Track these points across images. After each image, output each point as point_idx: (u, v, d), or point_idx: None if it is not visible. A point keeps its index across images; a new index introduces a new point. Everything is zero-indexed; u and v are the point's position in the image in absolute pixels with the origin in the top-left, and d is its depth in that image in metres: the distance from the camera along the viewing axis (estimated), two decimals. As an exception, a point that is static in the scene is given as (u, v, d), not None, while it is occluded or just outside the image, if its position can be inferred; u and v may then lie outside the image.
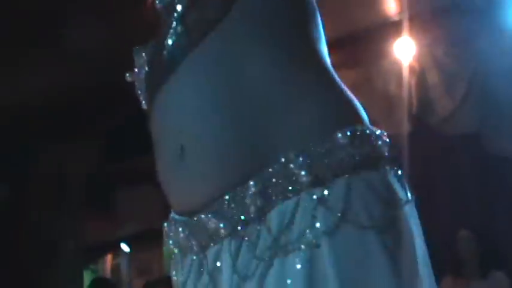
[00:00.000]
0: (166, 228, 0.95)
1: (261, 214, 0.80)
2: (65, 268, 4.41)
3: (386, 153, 0.85)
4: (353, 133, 0.81)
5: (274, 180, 0.79)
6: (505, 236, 3.47)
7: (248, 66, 0.85)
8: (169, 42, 0.88)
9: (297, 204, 0.78)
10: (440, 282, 3.31)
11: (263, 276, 0.78)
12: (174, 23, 0.88)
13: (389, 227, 0.77)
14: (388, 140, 0.86)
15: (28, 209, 4.40)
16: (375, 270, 0.75)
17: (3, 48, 3.30)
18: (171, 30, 0.88)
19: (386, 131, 0.88)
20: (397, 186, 0.83)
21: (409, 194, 0.84)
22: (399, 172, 0.85)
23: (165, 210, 1.00)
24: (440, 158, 3.80)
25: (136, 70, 0.98)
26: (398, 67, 3.69)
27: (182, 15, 0.88)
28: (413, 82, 3.71)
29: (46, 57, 3.42)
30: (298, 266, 0.75)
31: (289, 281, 0.75)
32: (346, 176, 0.78)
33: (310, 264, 0.75)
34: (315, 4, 0.94)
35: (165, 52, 0.89)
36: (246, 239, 0.81)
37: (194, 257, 0.89)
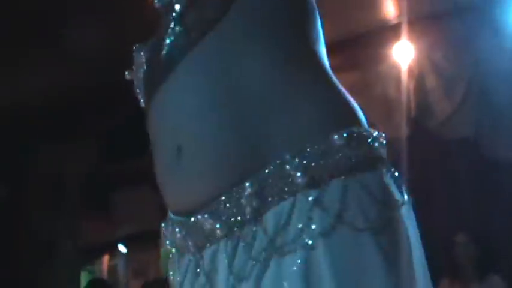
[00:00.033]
0: (163, 229, 0.96)
1: (257, 215, 0.80)
2: (62, 268, 4.41)
3: (383, 155, 0.85)
4: (349, 135, 0.81)
5: (270, 181, 0.80)
6: (502, 240, 3.48)
7: (246, 66, 0.85)
8: (168, 41, 0.88)
9: (292, 206, 0.78)
10: (438, 285, 3.31)
11: (259, 277, 0.78)
12: (173, 22, 0.88)
13: (385, 229, 0.78)
14: (385, 141, 0.87)
15: (26, 209, 4.39)
16: (370, 271, 0.75)
17: (3, 48, 3.30)
18: (170, 30, 0.88)
19: (384, 134, 0.88)
20: (393, 188, 0.83)
21: (405, 196, 0.84)
22: (396, 174, 0.85)
23: (162, 211, 1.00)
24: (438, 161, 3.80)
25: (135, 68, 0.98)
26: (397, 71, 3.70)
27: (181, 14, 0.88)
28: (411, 86, 3.71)
29: (46, 57, 3.42)
30: (295, 268, 0.75)
31: (285, 283, 0.75)
32: (342, 177, 0.78)
33: (306, 265, 0.75)
34: (314, 6, 0.94)
35: (163, 51, 0.89)
36: (242, 240, 0.81)
37: (191, 257, 0.90)
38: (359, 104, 0.90)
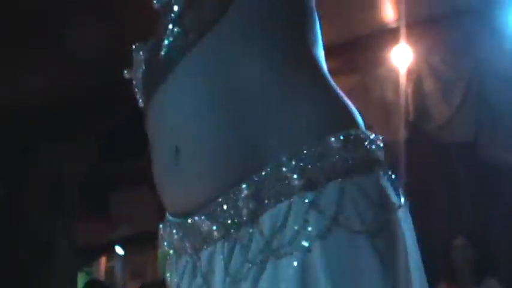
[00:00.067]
0: (161, 230, 0.96)
1: (254, 217, 0.80)
2: (60, 270, 4.40)
3: (380, 158, 0.85)
4: (346, 137, 0.81)
5: (266, 183, 0.80)
6: (500, 244, 3.48)
7: (244, 67, 0.85)
8: (166, 42, 0.88)
9: (289, 208, 0.78)
10: (435, 289, 3.32)
11: (256, 279, 0.78)
12: (171, 23, 0.88)
13: (382, 231, 0.78)
14: (382, 144, 0.87)
15: (25, 209, 4.39)
16: (366, 274, 0.75)
17: (3, 48, 3.30)
18: (168, 31, 0.88)
19: (382, 138, 0.88)
20: (390, 190, 0.83)
21: (402, 199, 0.84)
22: (393, 176, 0.85)
23: (159, 213, 1.00)
24: (437, 165, 3.80)
25: (134, 68, 0.98)
26: (395, 74, 3.70)
27: (179, 16, 0.88)
28: (410, 89, 3.72)
29: (45, 58, 3.43)
30: (291, 270, 0.75)
31: (282, 286, 0.75)
32: (339, 180, 0.78)
33: (303, 268, 0.75)
34: (313, 8, 0.94)
35: (162, 52, 0.89)
36: (239, 241, 0.81)
37: (188, 259, 0.90)
38: (357, 107, 0.90)
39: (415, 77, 3.72)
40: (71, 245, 4.48)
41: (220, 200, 0.82)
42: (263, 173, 0.80)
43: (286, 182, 0.79)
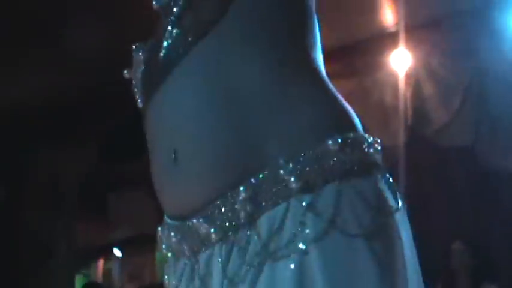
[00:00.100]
0: (159, 232, 0.96)
1: (251, 220, 0.80)
2: (58, 271, 4.39)
3: (378, 161, 0.85)
4: (344, 140, 0.81)
5: (264, 186, 0.80)
6: (499, 249, 3.48)
7: (243, 68, 0.85)
8: (166, 44, 0.89)
9: (286, 210, 0.78)
10: (433, 292, 3.31)
11: (253, 282, 0.78)
12: (170, 24, 0.89)
13: (379, 234, 0.78)
14: (380, 147, 0.87)
15: (23, 210, 4.38)
16: (363, 277, 0.75)
17: (3, 48, 3.30)
18: (167, 32, 0.89)
19: (381, 142, 0.88)
20: (387, 193, 0.83)
21: (400, 202, 0.84)
22: (390, 180, 0.85)
23: (157, 215, 1.00)
24: (436, 169, 3.80)
25: (134, 68, 0.98)
26: (394, 78, 3.71)
27: (178, 17, 0.88)
28: (409, 93, 3.72)
29: (45, 58, 3.42)
30: (288, 273, 0.75)
31: None
32: (336, 182, 0.78)
33: (300, 270, 0.75)
34: (313, 11, 0.95)
35: (161, 53, 0.89)
36: (237, 244, 0.81)
37: (186, 262, 0.90)
38: (356, 111, 0.90)
39: (414, 81, 3.72)
40: (70, 246, 4.48)
41: (218, 202, 0.82)
42: (261, 176, 0.80)
43: (284, 184, 0.79)
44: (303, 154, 0.80)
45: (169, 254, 0.94)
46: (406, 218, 0.86)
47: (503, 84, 3.42)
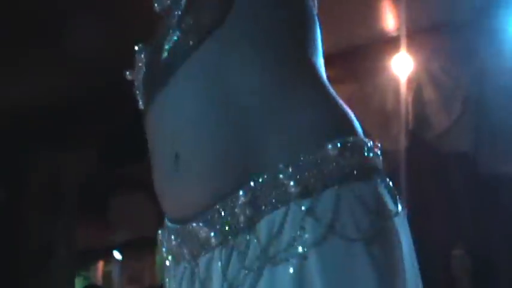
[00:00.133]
0: (160, 236, 0.96)
1: (251, 224, 0.80)
2: (58, 273, 4.39)
3: (378, 165, 0.85)
4: (344, 144, 0.81)
5: (263, 190, 0.80)
6: (499, 254, 3.47)
7: (244, 72, 0.85)
8: (167, 47, 0.89)
9: (285, 215, 0.78)
10: (433, 298, 3.30)
11: (253, 286, 0.78)
12: (172, 27, 0.89)
13: (378, 238, 0.78)
14: (380, 152, 0.87)
15: (23, 212, 4.38)
16: (362, 281, 0.75)
17: (3, 50, 3.30)
18: (169, 35, 0.89)
19: (382, 146, 0.88)
20: (387, 198, 0.83)
21: (399, 206, 0.84)
22: (390, 184, 0.85)
23: (158, 218, 1.00)
24: (436, 174, 3.80)
25: (136, 69, 0.99)
26: (395, 83, 3.71)
27: (179, 20, 0.88)
28: (409, 98, 3.72)
29: (45, 61, 3.43)
30: (287, 277, 0.75)
31: None
32: (336, 187, 0.79)
33: (299, 275, 0.75)
34: (314, 16, 0.95)
35: (162, 56, 0.89)
36: (236, 248, 0.81)
37: (186, 265, 0.90)
38: (357, 116, 0.90)
39: (415, 86, 3.72)
40: (70, 248, 4.47)
41: (217, 206, 0.82)
42: (260, 180, 0.80)
43: (283, 189, 0.79)
44: (302, 158, 0.80)
45: (170, 258, 0.94)
46: (406, 223, 0.86)
47: (504, 90, 3.42)
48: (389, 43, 3.66)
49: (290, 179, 0.79)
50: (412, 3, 3.22)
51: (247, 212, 0.80)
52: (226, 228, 0.82)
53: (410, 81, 3.69)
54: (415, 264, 0.87)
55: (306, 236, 0.76)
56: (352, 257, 0.76)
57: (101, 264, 7.36)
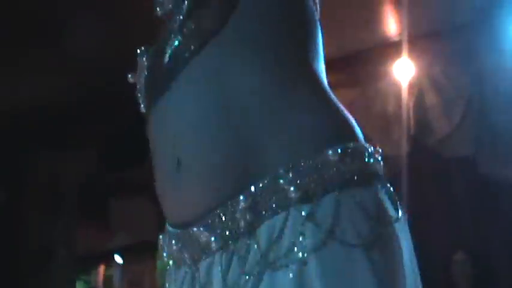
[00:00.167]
0: (161, 241, 0.96)
1: (251, 229, 0.80)
2: (58, 276, 4.39)
3: (379, 171, 0.85)
4: (344, 150, 0.81)
5: (264, 195, 0.80)
6: (500, 259, 3.47)
7: (245, 77, 0.85)
8: (168, 51, 0.89)
9: (285, 220, 0.78)
10: (434, 303, 3.30)
11: (253, 291, 0.78)
12: (173, 32, 0.89)
13: (378, 244, 0.77)
14: (381, 157, 0.87)
15: (23, 214, 4.38)
16: (361, 287, 0.75)
17: (3, 52, 3.31)
18: (170, 40, 0.89)
19: (383, 151, 0.88)
20: (387, 204, 0.83)
21: (400, 212, 0.84)
22: (391, 190, 0.85)
23: (158, 221, 1.00)
24: (437, 179, 3.80)
25: (138, 72, 0.99)
26: (397, 88, 3.71)
27: (181, 24, 0.88)
28: (411, 103, 3.72)
29: (46, 62, 3.43)
30: (287, 282, 0.75)
31: None
32: (336, 192, 0.78)
33: (299, 280, 0.75)
34: (316, 21, 0.95)
35: (164, 60, 0.90)
36: (236, 253, 0.81)
37: (187, 270, 0.90)
38: (359, 120, 0.90)
39: (417, 91, 3.72)
40: (70, 250, 4.47)
41: (218, 211, 0.82)
42: (260, 185, 0.80)
43: (283, 194, 0.79)
44: (302, 164, 0.80)
45: (170, 262, 0.94)
46: (406, 228, 0.86)
47: (506, 94, 3.42)
48: (391, 48, 3.67)
49: (290, 184, 0.79)
50: (413, 8, 3.23)
51: (248, 217, 0.80)
52: (227, 233, 0.82)
53: (411, 86, 3.69)
54: (416, 269, 0.87)
55: (306, 241, 0.76)
56: (352, 263, 0.76)
57: (102, 269, 7.34)
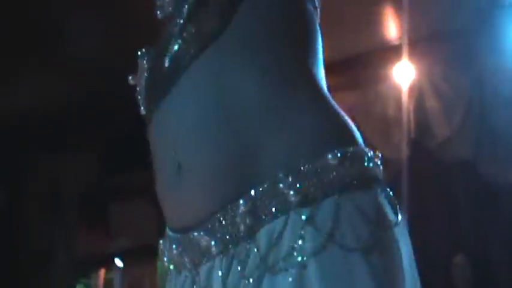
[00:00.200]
0: (161, 245, 0.96)
1: (251, 233, 0.80)
2: (58, 279, 4.38)
3: (378, 175, 0.85)
4: (344, 154, 0.81)
5: (263, 199, 0.80)
6: (500, 263, 3.46)
7: (245, 81, 0.85)
8: (169, 54, 0.89)
9: (285, 224, 0.78)
10: (434, 307, 3.29)
11: (253, 295, 0.78)
12: (173, 36, 0.89)
13: (377, 248, 0.77)
14: (380, 161, 0.87)
15: (23, 218, 4.38)
16: None
17: (3, 57, 3.32)
18: (170, 44, 0.89)
19: (384, 154, 0.88)
20: (387, 207, 0.83)
21: (399, 216, 0.84)
22: (390, 194, 0.85)
23: (159, 225, 1.00)
24: (438, 183, 3.80)
25: (138, 74, 0.99)
26: (397, 91, 3.71)
27: (181, 28, 0.88)
28: (411, 106, 3.72)
29: (46, 66, 3.44)
30: (287, 286, 0.75)
31: None
32: (336, 196, 0.79)
33: (298, 284, 0.75)
34: (316, 25, 0.95)
35: (165, 64, 0.90)
36: (236, 257, 0.81)
37: (187, 274, 0.90)
38: (359, 124, 0.90)
39: (417, 94, 3.73)
40: (70, 252, 4.47)
41: (218, 215, 0.83)
42: (260, 189, 0.80)
43: (283, 198, 0.79)
44: (302, 168, 0.80)
45: (171, 266, 0.94)
46: (406, 232, 0.86)
47: (506, 98, 3.42)
48: (391, 51, 3.67)
49: (290, 188, 0.79)
50: (413, 12, 3.23)
51: (248, 221, 0.80)
52: (227, 237, 0.82)
53: (412, 89, 3.69)
54: (415, 274, 0.87)
55: (306, 245, 0.76)
56: (351, 266, 0.76)
57: (102, 272, 7.34)
